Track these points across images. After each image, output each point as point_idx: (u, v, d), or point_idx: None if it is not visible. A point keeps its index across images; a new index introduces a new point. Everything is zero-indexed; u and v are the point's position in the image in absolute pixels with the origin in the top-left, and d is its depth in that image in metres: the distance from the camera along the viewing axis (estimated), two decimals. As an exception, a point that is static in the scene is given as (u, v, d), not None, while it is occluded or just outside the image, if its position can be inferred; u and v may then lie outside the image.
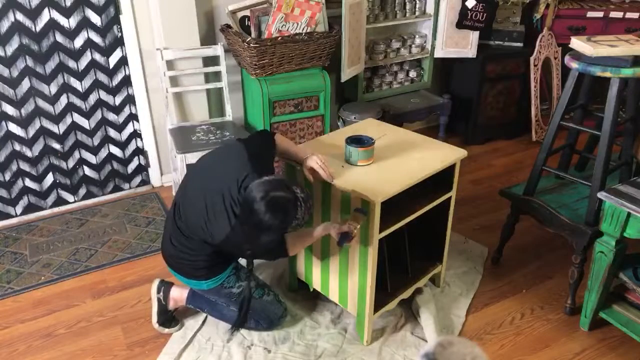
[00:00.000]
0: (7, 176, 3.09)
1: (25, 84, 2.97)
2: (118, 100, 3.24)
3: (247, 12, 3.02)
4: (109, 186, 3.41)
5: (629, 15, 3.90)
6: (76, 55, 3.03)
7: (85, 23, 2.99)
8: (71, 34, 2.98)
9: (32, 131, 3.07)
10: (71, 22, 2.96)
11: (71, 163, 3.24)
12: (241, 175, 1.95)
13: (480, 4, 3.65)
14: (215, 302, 2.31)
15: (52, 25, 2.92)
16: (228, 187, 1.96)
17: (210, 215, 1.98)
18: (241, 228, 1.93)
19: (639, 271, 2.23)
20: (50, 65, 2.99)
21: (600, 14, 3.93)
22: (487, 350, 2.25)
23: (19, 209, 3.19)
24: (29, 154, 3.11)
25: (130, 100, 3.27)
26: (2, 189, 3.10)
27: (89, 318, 2.46)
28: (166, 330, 2.33)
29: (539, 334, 2.36)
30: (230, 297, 2.22)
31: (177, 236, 2.12)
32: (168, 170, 3.51)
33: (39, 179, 3.18)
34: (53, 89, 3.04)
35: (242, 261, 2.52)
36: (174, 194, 3.34)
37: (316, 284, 2.40)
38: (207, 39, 3.27)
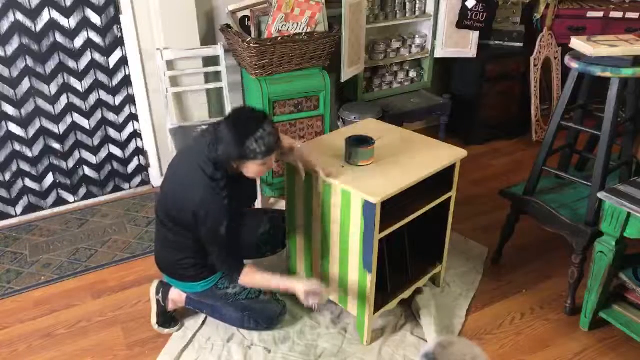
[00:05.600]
0: (7, 176, 3.09)
1: (25, 84, 2.97)
2: (118, 100, 3.23)
3: (247, 12, 3.02)
4: (109, 186, 3.41)
5: (629, 15, 3.90)
6: (76, 55, 3.03)
7: (85, 23, 2.99)
8: (71, 34, 2.98)
9: (32, 131, 3.07)
10: (71, 22, 2.96)
11: (71, 163, 3.24)
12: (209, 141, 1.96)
13: (480, 4, 3.65)
14: (214, 304, 2.30)
15: (52, 25, 2.92)
16: (198, 156, 1.97)
17: (185, 181, 1.99)
18: (211, 181, 1.92)
19: (639, 271, 2.24)
20: (50, 65, 2.99)
21: (600, 14, 3.93)
22: (487, 350, 2.25)
23: (19, 209, 3.19)
24: (29, 154, 3.10)
25: (130, 100, 3.26)
26: (2, 189, 3.10)
27: (89, 318, 2.46)
28: (166, 331, 2.33)
29: (539, 334, 2.36)
30: (227, 298, 2.21)
31: (161, 231, 2.14)
32: (168, 170, 3.51)
33: (39, 179, 3.18)
34: (53, 89, 3.04)
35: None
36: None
37: (316, 284, 2.40)
38: (207, 39, 3.27)
